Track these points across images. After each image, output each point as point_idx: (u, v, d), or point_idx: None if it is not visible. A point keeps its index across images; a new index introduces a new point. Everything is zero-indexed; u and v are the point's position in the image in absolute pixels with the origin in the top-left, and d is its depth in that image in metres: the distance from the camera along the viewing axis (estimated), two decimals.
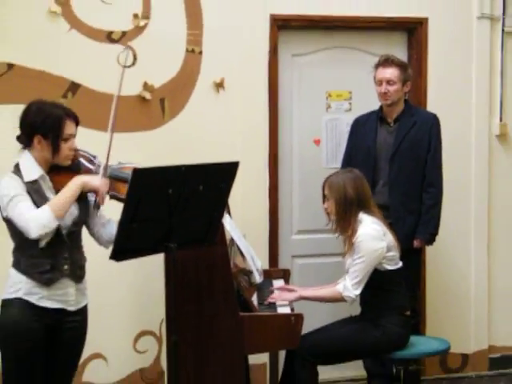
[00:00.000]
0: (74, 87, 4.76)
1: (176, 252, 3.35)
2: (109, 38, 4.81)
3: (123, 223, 3.16)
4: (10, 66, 4.66)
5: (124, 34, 4.82)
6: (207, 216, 3.49)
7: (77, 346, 3.61)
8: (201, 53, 4.98)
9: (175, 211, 3.28)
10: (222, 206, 3.55)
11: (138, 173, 3.12)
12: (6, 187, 3.32)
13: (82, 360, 4.75)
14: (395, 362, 4.44)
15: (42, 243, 3.33)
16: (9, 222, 3.37)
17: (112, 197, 3.50)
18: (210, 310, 3.88)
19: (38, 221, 3.23)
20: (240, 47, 5.05)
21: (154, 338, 5.04)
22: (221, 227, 3.76)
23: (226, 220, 3.98)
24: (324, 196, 4.36)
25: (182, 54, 4.96)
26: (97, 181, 3.38)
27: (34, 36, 4.70)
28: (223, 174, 3.46)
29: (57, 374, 3.56)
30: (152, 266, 4.48)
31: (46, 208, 3.26)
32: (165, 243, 3.33)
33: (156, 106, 4.94)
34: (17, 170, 3.39)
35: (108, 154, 3.48)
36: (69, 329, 3.50)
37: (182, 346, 3.73)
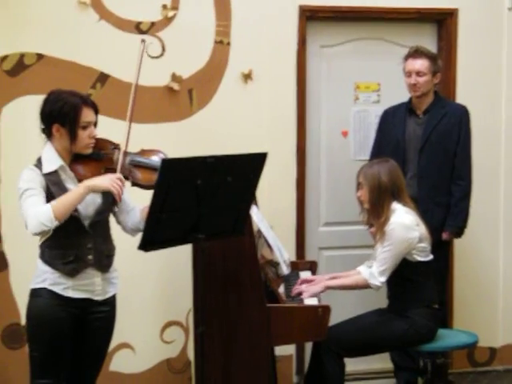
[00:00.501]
0: (103, 78, 4.77)
1: (204, 243, 3.36)
2: (137, 28, 4.82)
3: (152, 213, 3.16)
4: (40, 56, 4.68)
5: (153, 24, 4.83)
6: (235, 207, 3.49)
7: (105, 335, 3.62)
8: (229, 44, 4.97)
9: (203, 202, 3.28)
10: (250, 197, 3.54)
11: (167, 163, 3.12)
12: (21, 180, 3.34)
13: (109, 350, 4.83)
14: (422, 354, 4.42)
15: (41, 239, 3.34)
16: None
17: (134, 184, 3.50)
18: (237, 301, 3.88)
19: (37, 218, 3.21)
20: (268, 38, 5.03)
21: (181, 328, 5.05)
22: (248, 218, 3.76)
23: (254, 211, 3.97)
24: (358, 184, 4.35)
25: (210, 44, 4.96)
26: (105, 181, 3.30)
27: (63, 26, 4.71)
28: (252, 165, 3.45)
29: (85, 363, 3.58)
30: (179, 257, 4.49)
31: (47, 207, 3.23)
32: (193, 234, 3.33)
33: (184, 97, 4.94)
34: (38, 162, 3.41)
35: (127, 142, 3.46)
36: (97, 319, 3.51)
37: (209, 337, 3.74)
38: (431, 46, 5.28)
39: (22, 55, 4.66)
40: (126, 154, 3.48)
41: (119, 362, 4.97)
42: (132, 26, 4.81)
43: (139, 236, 3.32)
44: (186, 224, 3.31)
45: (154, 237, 3.26)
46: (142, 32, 4.80)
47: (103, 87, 4.76)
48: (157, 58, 4.85)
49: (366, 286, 4.23)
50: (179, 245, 3.47)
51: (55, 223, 3.23)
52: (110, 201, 3.49)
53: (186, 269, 4.18)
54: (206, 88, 4.97)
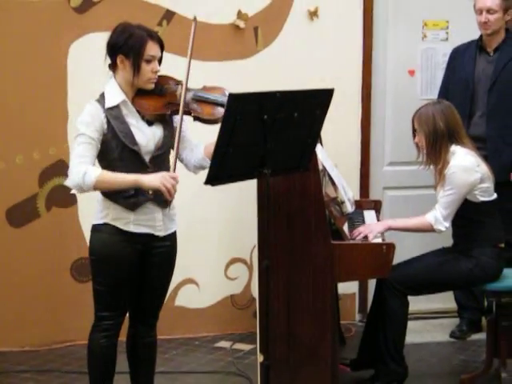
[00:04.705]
0: (169, 15, 4.76)
1: (269, 178, 3.35)
2: None
3: (219, 148, 3.16)
4: None
5: None
6: (301, 143, 3.47)
7: (166, 270, 3.62)
8: None
9: (270, 137, 3.26)
10: (316, 132, 3.53)
11: (234, 97, 3.10)
12: (81, 119, 3.34)
13: (174, 285, 4.93)
14: (487, 294, 4.39)
15: (73, 191, 3.33)
16: None
17: (196, 118, 3.48)
18: (302, 237, 3.89)
19: (80, 178, 3.22)
20: None
21: (245, 265, 5.11)
22: (314, 155, 3.75)
23: (318, 149, 3.95)
24: (414, 130, 4.31)
25: None
26: (156, 180, 3.26)
27: None
28: (318, 101, 3.42)
29: (147, 297, 3.60)
30: (245, 193, 4.52)
31: (95, 173, 3.23)
32: (259, 169, 3.32)
33: (250, 35, 4.93)
34: (101, 97, 3.41)
35: (187, 77, 3.43)
36: (158, 254, 3.52)
37: (273, 272, 3.74)
38: None
39: None
40: (188, 89, 3.45)
41: (184, 297, 5.06)
42: None
43: (204, 172, 3.32)
44: (252, 159, 3.31)
45: (221, 171, 3.25)
46: None
47: (169, 24, 4.75)
48: None
49: (430, 230, 4.20)
50: (245, 179, 3.47)
51: (91, 191, 3.28)
52: (173, 133, 3.47)
53: (250, 206, 4.18)
54: (271, 26, 4.94)
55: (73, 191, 3.34)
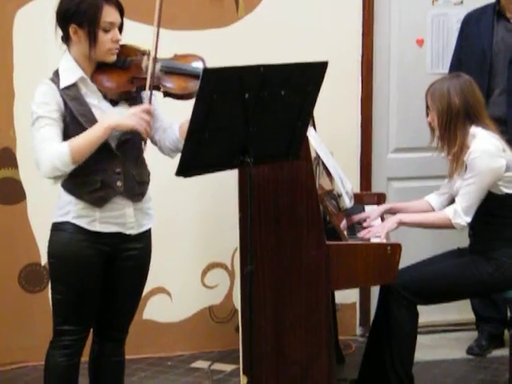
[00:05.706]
0: None
1: (253, 168, 3.34)
2: None
3: (192, 133, 3.15)
4: None
5: None
6: (289, 126, 3.47)
7: (139, 276, 3.63)
8: None
9: (252, 119, 3.26)
10: (307, 113, 3.52)
11: (209, 73, 3.09)
12: (36, 101, 3.34)
13: (143, 294, 4.90)
14: (510, 302, 4.40)
15: (52, 182, 3.35)
16: None
17: (167, 94, 3.48)
18: (292, 238, 3.89)
19: (52, 162, 3.24)
20: None
21: (226, 271, 5.11)
22: (305, 141, 3.74)
23: (311, 134, 3.96)
24: (427, 107, 4.31)
25: None
26: (130, 120, 3.30)
27: None
28: (309, 76, 3.41)
29: (116, 309, 3.60)
30: (224, 187, 4.50)
31: (64, 149, 3.24)
32: (240, 157, 3.32)
33: None
34: (55, 75, 3.40)
35: (156, 46, 3.40)
36: (129, 257, 3.52)
37: (258, 280, 3.77)
38: None
39: None
40: (156, 59, 3.42)
41: (154, 310, 5.06)
42: None
43: (176, 160, 3.31)
44: (231, 145, 3.30)
45: (194, 160, 3.24)
46: None
47: None
48: None
49: (448, 225, 4.19)
50: (224, 170, 3.45)
51: (71, 167, 3.27)
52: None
53: (231, 201, 4.18)
54: None
55: (52, 181, 3.35)
